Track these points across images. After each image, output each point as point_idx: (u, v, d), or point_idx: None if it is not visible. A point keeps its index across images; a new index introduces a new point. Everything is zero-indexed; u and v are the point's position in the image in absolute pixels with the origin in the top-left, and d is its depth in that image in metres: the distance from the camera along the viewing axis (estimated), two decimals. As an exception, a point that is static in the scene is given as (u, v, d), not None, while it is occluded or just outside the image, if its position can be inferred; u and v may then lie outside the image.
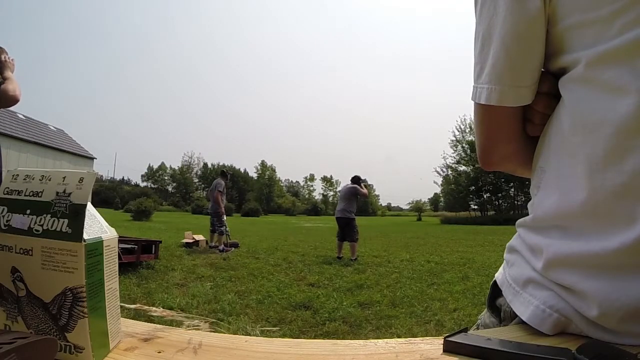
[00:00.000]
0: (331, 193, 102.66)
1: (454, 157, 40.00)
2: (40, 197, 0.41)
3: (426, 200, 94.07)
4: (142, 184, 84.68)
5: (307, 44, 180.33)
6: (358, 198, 7.82)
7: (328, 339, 2.88)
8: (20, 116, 12.99)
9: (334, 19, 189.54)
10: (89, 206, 0.41)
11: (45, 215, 0.40)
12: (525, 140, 0.54)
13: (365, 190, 7.85)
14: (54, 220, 0.40)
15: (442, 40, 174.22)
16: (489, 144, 0.55)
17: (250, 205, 68.20)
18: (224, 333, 0.49)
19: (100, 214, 0.46)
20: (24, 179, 0.43)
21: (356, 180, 7.82)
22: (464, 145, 39.02)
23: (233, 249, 8.58)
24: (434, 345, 0.43)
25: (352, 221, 7.49)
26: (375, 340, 0.45)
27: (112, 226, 0.47)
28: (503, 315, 0.56)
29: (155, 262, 6.02)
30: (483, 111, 0.51)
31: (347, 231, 7.46)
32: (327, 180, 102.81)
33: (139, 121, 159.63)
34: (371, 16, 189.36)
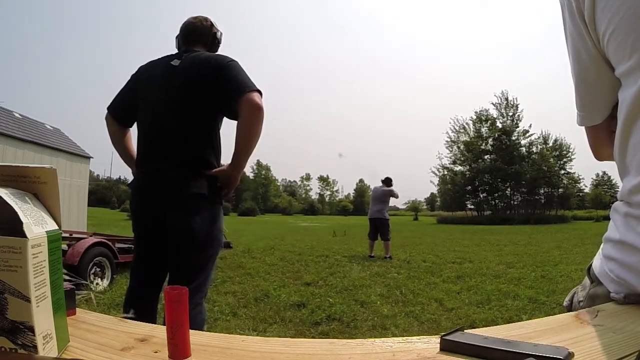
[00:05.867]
0: (328, 192, 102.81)
1: (450, 158, 40.12)
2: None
3: (423, 199, 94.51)
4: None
5: (308, 44, 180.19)
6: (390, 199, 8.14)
7: (325, 338, 2.88)
8: (17, 115, 12.90)
9: (334, 19, 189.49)
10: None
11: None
12: None
13: (397, 192, 8.07)
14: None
15: (442, 43, 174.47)
16: (593, 148, 0.73)
17: (247, 204, 68.24)
18: (221, 333, 0.49)
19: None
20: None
21: (388, 181, 8.02)
22: (459, 145, 39.11)
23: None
24: (430, 344, 0.43)
25: (387, 222, 7.82)
26: (372, 340, 0.45)
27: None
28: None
29: (152, 261, 5.99)
30: (585, 129, 0.71)
31: (382, 231, 7.77)
32: (324, 180, 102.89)
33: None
34: (373, 19, 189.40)
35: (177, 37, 2.00)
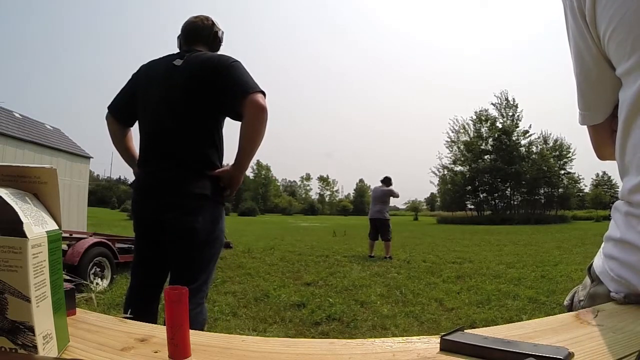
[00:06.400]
0: (328, 192, 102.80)
1: (450, 158, 40.10)
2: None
3: (423, 199, 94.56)
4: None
5: (309, 45, 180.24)
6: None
7: (325, 338, 2.88)
8: (17, 115, 12.89)
9: (335, 20, 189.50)
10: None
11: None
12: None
13: (397, 192, 8.02)
14: None
15: (442, 43, 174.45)
16: (595, 147, 0.74)
17: (247, 204, 68.24)
18: (221, 333, 0.49)
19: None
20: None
21: (387, 181, 7.95)
22: (459, 145, 39.08)
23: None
24: (430, 344, 0.43)
25: (387, 222, 7.77)
26: (372, 340, 0.45)
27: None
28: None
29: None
30: (587, 128, 0.71)
31: (382, 231, 7.72)
32: (324, 180, 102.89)
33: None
34: (374, 20, 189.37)
35: (178, 37, 2.00)
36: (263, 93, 1.72)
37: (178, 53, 1.90)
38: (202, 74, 1.75)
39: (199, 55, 1.82)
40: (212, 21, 1.99)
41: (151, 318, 1.79)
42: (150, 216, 1.76)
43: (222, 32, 2.04)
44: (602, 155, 0.74)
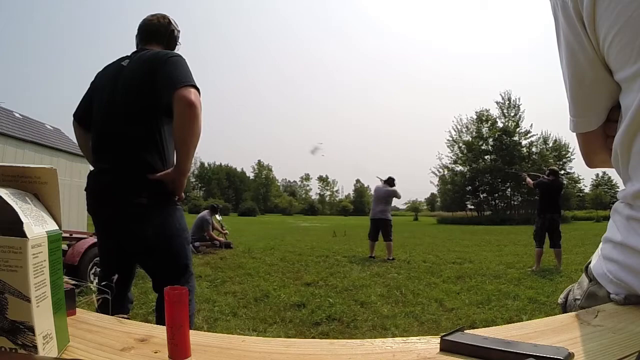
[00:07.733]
0: (328, 193, 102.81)
1: (451, 157, 40.09)
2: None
3: (423, 200, 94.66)
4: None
5: (309, 45, 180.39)
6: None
7: (325, 338, 2.88)
8: (17, 115, 12.90)
9: (335, 20, 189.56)
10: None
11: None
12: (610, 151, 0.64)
13: (400, 193, 7.98)
14: None
15: (443, 44, 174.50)
16: (585, 154, 0.70)
17: (247, 204, 68.26)
18: (221, 333, 0.49)
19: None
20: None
21: (391, 181, 7.89)
22: (460, 145, 39.08)
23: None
24: (430, 344, 0.43)
25: (389, 222, 7.72)
26: (372, 340, 0.45)
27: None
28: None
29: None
30: (577, 135, 0.68)
31: (384, 232, 7.67)
32: (324, 180, 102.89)
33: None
34: (375, 21, 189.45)
35: (136, 36, 1.96)
36: (195, 87, 1.62)
37: (131, 54, 1.88)
38: (142, 72, 1.70)
39: (143, 54, 1.78)
40: (169, 20, 1.96)
41: (125, 307, 1.83)
42: (102, 219, 1.79)
43: (179, 32, 2.00)
44: (592, 163, 0.71)
